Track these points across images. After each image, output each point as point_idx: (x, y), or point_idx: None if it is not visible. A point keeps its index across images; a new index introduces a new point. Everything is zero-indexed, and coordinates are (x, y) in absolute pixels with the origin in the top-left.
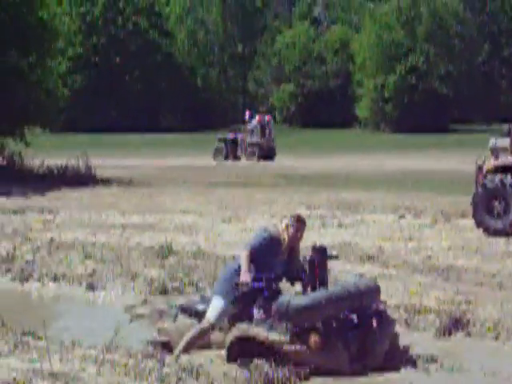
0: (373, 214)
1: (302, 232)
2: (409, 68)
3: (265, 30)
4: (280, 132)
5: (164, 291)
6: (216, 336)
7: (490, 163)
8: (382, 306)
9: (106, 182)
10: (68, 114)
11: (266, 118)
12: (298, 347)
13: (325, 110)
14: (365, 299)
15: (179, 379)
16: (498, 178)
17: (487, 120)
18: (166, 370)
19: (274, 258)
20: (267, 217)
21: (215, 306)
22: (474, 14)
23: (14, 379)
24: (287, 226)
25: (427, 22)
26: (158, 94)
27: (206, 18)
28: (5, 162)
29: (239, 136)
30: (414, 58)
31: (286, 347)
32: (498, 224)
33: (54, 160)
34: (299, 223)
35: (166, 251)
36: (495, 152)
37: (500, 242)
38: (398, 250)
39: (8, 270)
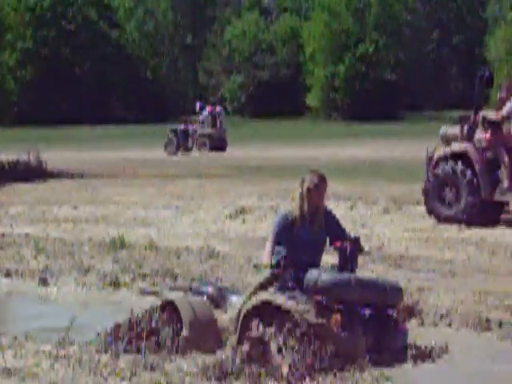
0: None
1: (323, 191)
2: (359, 56)
3: (215, 21)
4: (231, 123)
5: (117, 285)
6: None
7: (441, 151)
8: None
9: (58, 175)
10: (18, 108)
11: (217, 108)
12: (321, 320)
13: (276, 100)
14: (390, 297)
15: (134, 373)
16: (448, 165)
17: (438, 107)
18: (120, 364)
19: (299, 229)
20: (220, 208)
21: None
22: (424, 2)
23: None
24: (308, 189)
25: (376, 10)
26: (109, 86)
27: (156, 9)
28: None
29: (190, 127)
30: (363, 46)
31: (308, 317)
32: (450, 211)
33: (5, 155)
34: (319, 182)
35: (118, 244)
36: (446, 139)
37: (452, 230)
38: None
39: None
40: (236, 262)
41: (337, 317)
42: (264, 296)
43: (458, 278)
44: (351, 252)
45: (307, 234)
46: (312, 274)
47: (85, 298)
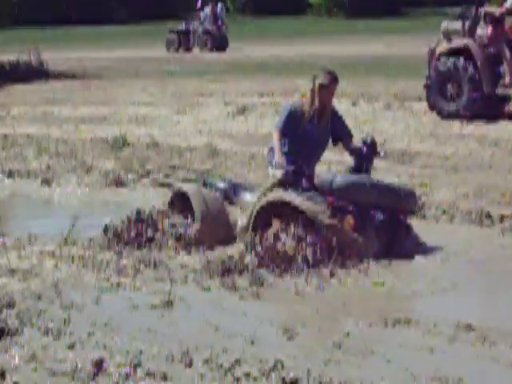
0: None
1: (333, 90)
2: None
3: None
4: (232, 21)
5: (119, 183)
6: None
7: (443, 46)
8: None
9: (59, 75)
10: (18, 9)
11: (218, 6)
12: (334, 221)
13: None
14: (404, 202)
15: (137, 270)
16: (450, 61)
17: (440, 2)
18: (123, 261)
19: (306, 125)
20: (221, 105)
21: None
22: None
23: None
24: (320, 86)
25: None
26: None
27: None
28: None
29: (191, 26)
30: None
31: (322, 217)
32: (452, 106)
33: (6, 55)
34: (331, 80)
35: (120, 143)
36: (447, 35)
37: (454, 125)
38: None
39: None
40: (239, 159)
41: (350, 220)
42: (280, 195)
43: (459, 173)
44: (366, 155)
45: (314, 130)
46: (327, 175)
47: (87, 197)
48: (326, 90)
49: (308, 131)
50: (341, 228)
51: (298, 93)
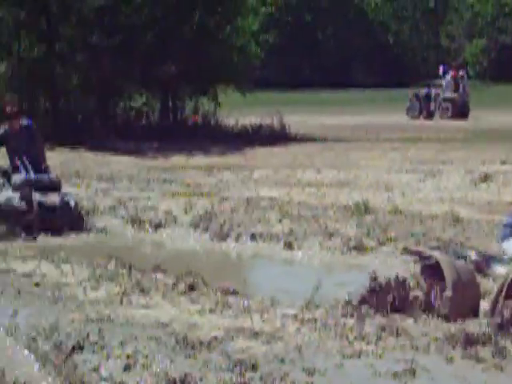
0: None
1: None
2: None
3: None
4: (473, 87)
5: (361, 249)
6: None
7: None
8: None
9: (300, 139)
10: (261, 73)
11: (460, 73)
12: None
13: None
14: None
15: (379, 338)
16: None
17: None
18: (366, 328)
19: None
20: (463, 172)
21: None
22: None
23: (216, 338)
24: None
25: None
26: (350, 51)
27: None
28: (199, 121)
29: (433, 91)
30: None
31: None
32: None
33: (248, 118)
34: None
35: (362, 209)
36: None
37: None
38: None
39: (206, 229)
40: (480, 228)
41: None
42: None
43: None
44: None
45: None
46: None
47: (329, 261)
48: None
49: None
50: None
51: None
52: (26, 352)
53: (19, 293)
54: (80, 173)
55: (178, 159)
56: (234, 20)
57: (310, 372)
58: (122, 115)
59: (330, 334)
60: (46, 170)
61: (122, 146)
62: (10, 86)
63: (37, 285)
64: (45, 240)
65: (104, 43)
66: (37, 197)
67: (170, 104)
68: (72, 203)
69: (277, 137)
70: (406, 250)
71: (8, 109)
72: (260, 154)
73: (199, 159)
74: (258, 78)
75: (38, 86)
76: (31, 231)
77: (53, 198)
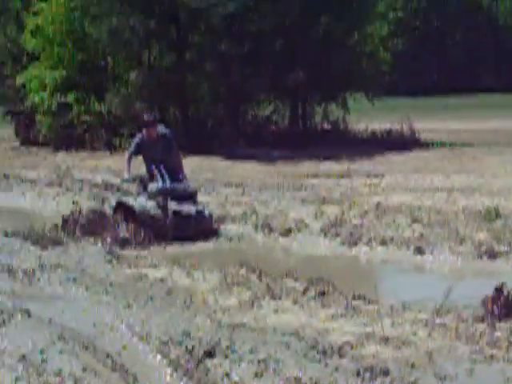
0: None
1: None
2: None
3: None
4: None
5: (492, 255)
6: None
7: None
8: None
9: (429, 145)
10: (389, 79)
11: None
12: None
13: None
14: None
15: (510, 343)
16: None
17: None
18: (497, 333)
19: None
20: None
21: None
22: None
23: (347, 343)
24: None
25: None
26: (479, 56)
27: None
28: (329, 127)
29: None
30: None
31: None
32: None
33: (378, 124)
34: None
35: (492, 214)
36: None
37: None
38: None
39: (337, 235)
40: None
41: None
42: None
43: None
44: None
45: None
46: None
47: (460, 267)
48: None
49: None
50: None
51: None
52: (159, 357)
53: (151, 299)
54: (211, 180)
55: (308, 166)
56: (363, 26)
57: (441, 378)
58: (251, 122)
59: (460, 339)
60: (182, 180)
61: (252, 153)
62: (141, 95)
63: (168, 291)
64: (176, 247)
65: (233, 51)
66: (172, 206)
67: (300, 111)
68: (206, 213)
69: (406, 142)
70: None
71: (145, 117)
72: (390, 159)
73: (329, 165)
74: (387, 84)
75: (168, 94)
76: (164, 239)
77: (188, 208)
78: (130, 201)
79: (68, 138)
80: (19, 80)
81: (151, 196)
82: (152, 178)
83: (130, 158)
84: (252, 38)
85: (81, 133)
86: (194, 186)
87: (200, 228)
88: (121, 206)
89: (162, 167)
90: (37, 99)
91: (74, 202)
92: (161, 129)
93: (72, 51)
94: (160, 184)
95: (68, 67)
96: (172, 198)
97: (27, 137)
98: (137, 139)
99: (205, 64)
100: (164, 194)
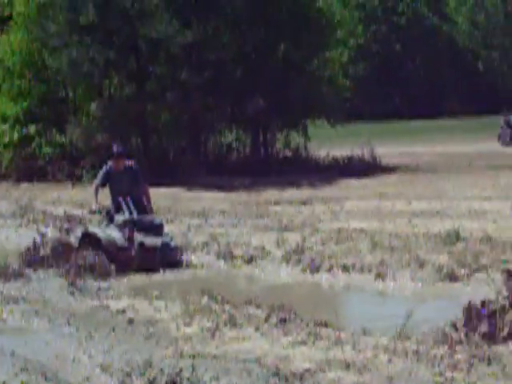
0: None
1: None
2: None
3: None
4: None
5: (453, 278)
6: None
7: None
8: None
9: (391, 170)
10: (350, 104)
11: None
12: None
13: None
14: None
15: (471, 366)
16: None
17: None
18: (457, 356)
19: None
20: None
21: None
22: None
23: (308, 370)
24: None
25: None
26: (440, 80)
27: (486, 1)
28: (291, 154)
29: None
30: None
31: None
32: None
33: (339, 150)
34: None
35: (453, 237)
36: None
37: None
38: None
39: (298, 262)
40: None
41: None
42: None
43: None
44: None
45: None
46: None
47: (421, 291)
48: None
49: None
50: None
51: None
52: None
53: (113, 330)
54: (173, 209)
55: (270, 193)
56: (322, 52)
57: None
58: (213, 151)
59: (421, 363)
60: (149, 212)
61: (213, 182)
62: (102, 126)
63: (130, 321)
64: (139, 277)
65: (193, 80)
66: (138, 237)
67: (261, 138)
68: (172, 244)
69: (368, 168)
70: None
71: (115, 148)
72: (351, 185)
73: (291, 193)
74: (349, 110)
75: (129, 124)
76: (129, 269)
77: (153, 240)
78: (97, 231)
79: (29, 170)
80: None
81: (117, 227)
82: (118, 209)
83: (97, 189)
84: (212, 67)
85: (42, 165)
86: (160, 219)
87: (165, 260)
88: (87, 237)
89: (128, 199)
90: None
91: (39, 232)
92: (128, 161)
93: (32, 83)
94: (127, 215)
95: (28, 99)
96: (138, 229)
97: None
98: (104, 170)
99: (165, 94)
100: (130, 225)
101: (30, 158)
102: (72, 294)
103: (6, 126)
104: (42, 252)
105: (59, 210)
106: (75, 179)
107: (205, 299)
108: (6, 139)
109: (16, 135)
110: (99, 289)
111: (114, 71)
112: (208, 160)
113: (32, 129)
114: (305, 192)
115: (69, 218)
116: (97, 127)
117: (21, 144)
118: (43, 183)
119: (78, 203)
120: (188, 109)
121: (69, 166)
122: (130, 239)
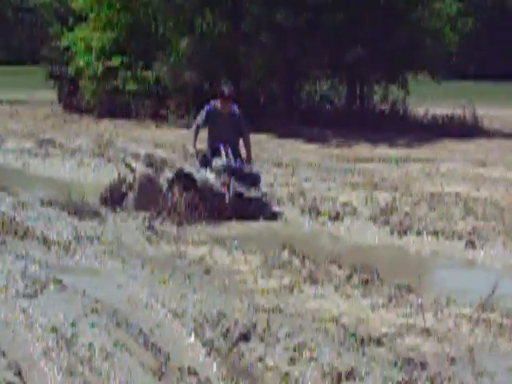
0: None
1: None
2: None
3: None
4: None
5: None
6: None
7: None
8: None
9: (494, 134)
10: (455, 61)
11: None
12: None
13: None
14: None
15: None
16: None
17: None
18: None
19: None
20: None
21: None
22: None
23: (386, 334)
24: None
25: None
26: None
27: None
28: (387, 109)
29: None
30: None
31: None
32: None
33: (440, 109)
34: None
35: None
36: None
37: None
38: None
39: (386, 223)
40: None
41: None
42: None
43: None
44: None
45: None
46: None
47: None
48: None
49: None
50: None
51: None
52: (193, 338)
53: (189, 277)
54: (259, 157)
55: (362, 149)
56: (428, 2)
57: (480, 374)
58: (306, 100)
59: (504, 337)
60: (248, 162)
61: (305, 132)
62: (191, 64)
63: (207, 270)
64: (220, 226)
65: (290, 22)
66: (235, 186)
67: (358, 90)
68: (266, 199)
69: (468, 130)
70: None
71: (226, 89)
72: (449, 147)
73: (384, 150)
74: (453, 67)
75: (220, 65)
76: (217, 216)
77: (250, 191)
78: (194, 172)
79: (112, 106)
80: (64, 42)
81: (215, 171)
82: (214, 153)
83: (197, 130)
84: (311, 9)
85: (126, 101)
86: (258, 171)
87: (257, 213)
88: (179, 178)
89: (227, 145)
90: (82, 63)
91: (128, 166)
92: (235, 107)
93: (121, 13)
94: (225, 161)
95: (116, 30)
96: (236, 178)
97: (70, 102)
98: (205, 111)
99: (260, 34)
100: (229, 172)
101: (113, 92)
102: (149, 238)
103: (91, 57)
104: (125, 190)
105: (141, 151)
106: (159, 119)
107: (285, 254)
108: (90, 71)
109: (100, 67)
110: (178, 235)
111: (207, 7)
112: (300, 109)
113: (117, 61)
114: (399, 150)
115: (151, 160)
116: (185, 65)
117: (104, 77)
118: (125, 120)
119: (162, 144)
120: (283, 52)
121: (153, 105)
122: (228, 186)
